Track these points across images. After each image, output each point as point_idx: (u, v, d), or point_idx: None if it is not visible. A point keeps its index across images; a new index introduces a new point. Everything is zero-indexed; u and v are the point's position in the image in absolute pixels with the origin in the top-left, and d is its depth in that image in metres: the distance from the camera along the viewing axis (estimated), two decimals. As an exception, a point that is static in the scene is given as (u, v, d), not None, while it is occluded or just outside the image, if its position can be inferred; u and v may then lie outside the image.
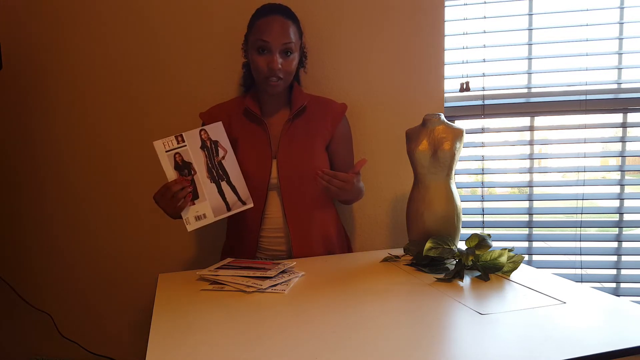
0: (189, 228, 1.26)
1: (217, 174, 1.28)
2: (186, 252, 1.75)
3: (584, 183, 1.77)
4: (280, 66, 1.31)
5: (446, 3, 1.70)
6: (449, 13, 1.73)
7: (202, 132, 1.28)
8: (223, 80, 1.67)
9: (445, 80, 1.73)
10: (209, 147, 1.28)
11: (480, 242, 1.23)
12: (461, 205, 1.40)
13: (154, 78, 1.68)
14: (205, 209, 1.26)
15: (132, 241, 1.74)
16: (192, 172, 1.26)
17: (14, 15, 1.63)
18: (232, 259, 1.34)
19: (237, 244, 1.45)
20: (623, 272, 1.81)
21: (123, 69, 1.68)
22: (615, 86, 1.79)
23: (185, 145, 1.26)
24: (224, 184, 1.28)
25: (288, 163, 1.38)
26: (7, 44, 1.62)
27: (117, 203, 1.72)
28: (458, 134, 1.37)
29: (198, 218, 1.26)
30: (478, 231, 1.77)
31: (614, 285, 1.81)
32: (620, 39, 1.75)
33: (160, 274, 1.28)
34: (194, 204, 1.26)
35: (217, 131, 1.29)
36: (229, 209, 1.29)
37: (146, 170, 1.71)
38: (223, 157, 1.29)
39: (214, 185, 1.28)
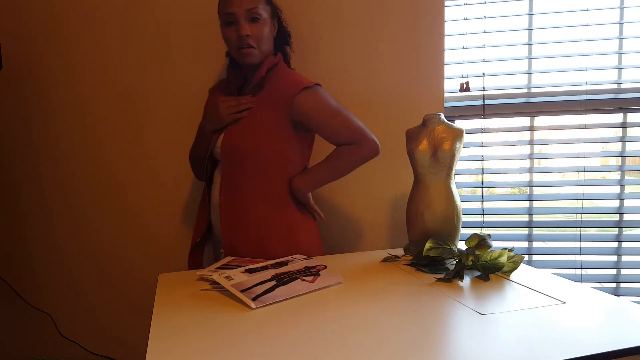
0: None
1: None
2: (186, 252, 1.75)
3: (584, 183, 1.77)
4: (248, 33, 1.29)
5: (446, 3, 1.70)
6: (449, 13, 1.73)
7: None
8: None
9: (445, 80, 1.73)
10: None
11: (480, 242, 1.22)
12: (461, 205, 1.40)
13: (154, 77, 1.68)
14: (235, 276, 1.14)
15: (132, 241, 1.74)
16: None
17: (14, 15, 1.63)
18: (232, 257, 1.33)
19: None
20: (623, 272, 1.81)
21: (123, 69, 1.68)
22: (615, 86, 1.79)
23: None
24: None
25: (231, 138, 1.33)
26: (7, 44, 1.62)
27: (118, 203, 1.72)
28: (458, 134, 1.37)
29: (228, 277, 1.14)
30: (478, 231, 1.77)
31: (614, 285, 1.81)
32: (620, 39, 1.75)
33: (160, 274, 1.28)
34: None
35: None
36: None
37: (146, 170, 1.71)
38: None
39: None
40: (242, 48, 1.30)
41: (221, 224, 1.34)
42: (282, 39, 1.44)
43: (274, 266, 1.20)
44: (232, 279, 1.10)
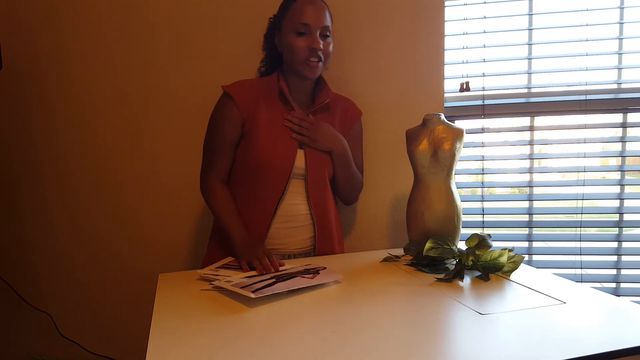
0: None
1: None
2: (186, 252, 1.75)
3: (584, 183, 1.77)
4: (321, 46, 1.32)
5: (446, 3, 1.70)
6: (449, 13, 1.73)
7: None
8: (224, 80, 1.67)
9: (445, 80, 1.73)
10: None
11: (480, 242, 1.23)
12: (461, 205, 1.40)
13: (154, 77, 1.68)
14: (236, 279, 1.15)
15: (133, 241, 1.74)
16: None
17: (14, 15, 1.63)
18: (232, 257, 1.33)
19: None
20: (623, 272, 1.81)
21: (123, 69, 1.68)
22: (615, 86, 1.79)
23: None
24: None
25: (315, 154, 1.38)
26: (7, 44, 1.62)
27: (118, 203, 1.72)
28: (458, 134, 1.37)
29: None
30: (478, 231, 1.77)
31: (614, 285, 1.81)
32: (620, 39, 1.75)
33: (160, 274, 1.28)
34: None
35: None
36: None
37: (147, 170, 1.71)
38: None
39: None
40: (311, 61, 1.32)
41: (317, 234, 1.41)
42: None
43: (275, 271, 1.20)
44: (232, 281, 1.10)
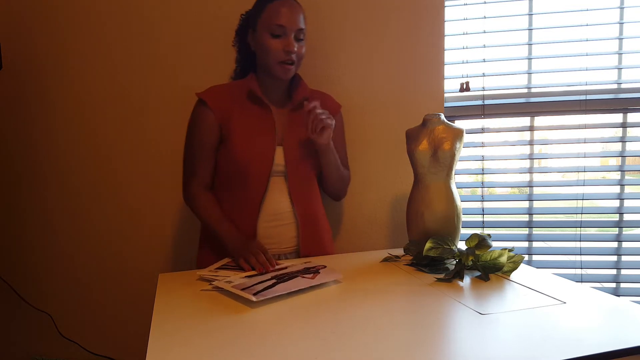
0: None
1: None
2: (186, 252, 1.75)
3: (584, 183, 1.77)
4: (295, 49, 1.31)
5: (446, 3, 1.70)
6: (449, 13, 1.73)
7: None
8: (225, 78, 1.67)
9: (445, 80, 1.73)
10: None
11: (480, 242, 1.23)
12: (461, 205, 1.40)
13: (154, 77, 1.68)
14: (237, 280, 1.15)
15: (133, 241, 1.74)
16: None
17: (14, 15, 1.63)
18: (229, 259, 1.33)
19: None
20: (623, 272, 1.81)
21: (123, 68, 1.68)
22: (615, 86, 1.79)
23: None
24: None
25: (295, 151, 1.38)
26: (7, 44, 1.62)
27: (118, 203, 1.72)
28: (458, 134, 1.37)
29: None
30: (478, 231, 1.77)
31: (614, 285, 1.81)
32: (620, 39, 1.75)
33: (160, 274, 1.28)
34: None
35: None
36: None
37: (147, 170, 1.71)
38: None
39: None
40: (286, 64, 1.32)
41: (301, 232, 1.39)
42: None
43: (274, 270, 1.20)
44: (232, 282, 1.10)
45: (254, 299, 0.99)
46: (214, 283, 1.13)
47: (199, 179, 1.39)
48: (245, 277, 1.15)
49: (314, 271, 1.18)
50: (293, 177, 1.38)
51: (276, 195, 1.37)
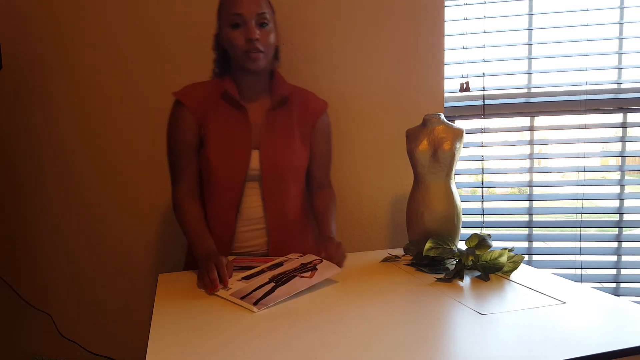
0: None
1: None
2: (186, 252, 1.75)
3: (584, 183, 1.77)
4: (258, 36, 1.24)
5: (446, 3, 1.70)
6: (449, 13, 1.73)
7: None
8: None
9: (445, 80, 1.73)
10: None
11: (480, 242, 1.23)
12: (461, 205, 1.40)
13: (157, 76, 1.68)
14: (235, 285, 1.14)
15: (133, 241, 1.74)
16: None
17: (14, 15, 1.63)
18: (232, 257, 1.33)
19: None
20: (623, 272, 1.81)
21: (124, 67, 1.68)
22: (615, 86, 1.79)
23: None
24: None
25: (271, 155, 1.31)
26: (7, 44, 1.62)
27: (118, 203, 1.72)
28: (458, 134, 1.37)
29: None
30: (478, 231, 1.77)
31: (614, 285, 1.81)
32: (620, 39, 1.75)
33: (160, 274, 1.28)
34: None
35: None
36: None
37: (148, 170, 1.71)
38: None
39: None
40: (251, 52, 1.25)
41: (271, 236, 1.34)
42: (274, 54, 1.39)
43: (270, 268, 1.20)
44: (230, 288, 1.10)
45: (255, 309, 0.98)
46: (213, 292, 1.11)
47: (183, 185, 1.33)
48: (243, 279, 1.14)
49: (312, 267, 1.18)
50: (268, 182, 1.32)
51: (252, 200, 1.33)
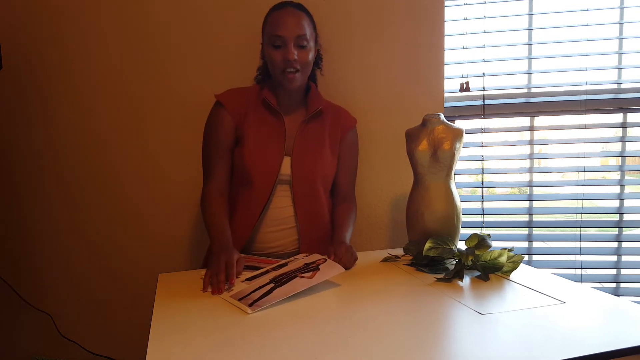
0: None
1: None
2: (186, 252, 1.75)
3: (584, 183, 1.77)
4: (295, 57, 1.31)
5: (446, 3, 1.70)
6: (449, 13, 1.73)
7: None
8: (224, 80, 1.67)
9: (445, 80, 1.73)
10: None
11: (480, 242, 1.23)
12: (461, 205, 1.40)
13: (154, 77, 1.68)
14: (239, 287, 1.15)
15: (133, 241, 1.74)
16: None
17: (14, 15, 1.63)
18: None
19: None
20: (623, 272, 1.81)
21: (123, 68, 1.68)
22: (615, 86, 1.79)
23: None
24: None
25: (302, 162, 1.38)
26: (7, 44, 1.62)
27: (118, 203, 1.72)
28: (458, 134, 1.37)
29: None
30: (478, 231, 1.76)
31: (614, 285, 1.81)
32: (620, 39, 1.75)
33: (160, 274, 1.28)
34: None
35: None
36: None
37: (148, 169, 1.71)
38: None
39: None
40: (288, 72, 1.31)
41: (302, 234, 1.39)
42: (316, 62, 1.46)
43: (275, 269, 1.20)
44: (233, 289, 1.10)
45: (249, 311, 0.98)
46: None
47: (213, 182, 1.38)
48: (246, 280, 1.15)
49: (314, 267, 1.18)
50: (298, 188, 1.38)
51: (280, 202, 1.38)
